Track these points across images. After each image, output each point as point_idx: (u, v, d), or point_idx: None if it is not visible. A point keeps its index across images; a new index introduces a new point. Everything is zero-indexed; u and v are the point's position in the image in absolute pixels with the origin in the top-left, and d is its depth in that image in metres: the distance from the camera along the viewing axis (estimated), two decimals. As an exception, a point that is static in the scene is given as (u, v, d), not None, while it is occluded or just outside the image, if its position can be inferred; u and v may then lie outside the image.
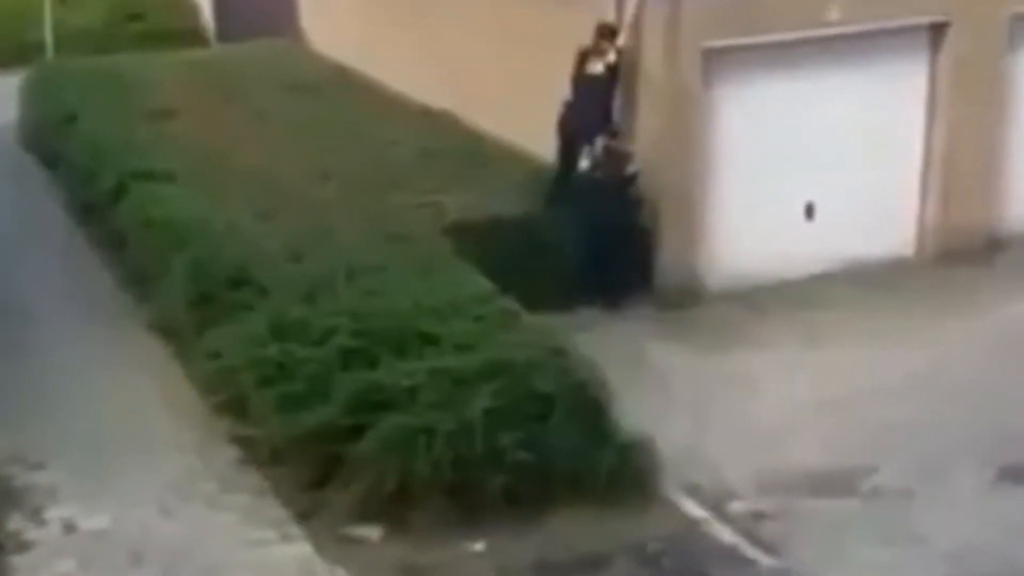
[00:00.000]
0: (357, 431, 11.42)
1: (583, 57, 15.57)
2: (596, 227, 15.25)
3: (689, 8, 15.22)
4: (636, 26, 15.42)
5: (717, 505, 11.71)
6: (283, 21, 24.51)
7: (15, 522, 11.34)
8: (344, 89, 20.31)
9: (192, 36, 28.05)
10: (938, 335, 14.78)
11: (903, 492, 11.89)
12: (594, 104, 15.55)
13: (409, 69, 19.51)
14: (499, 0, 17.80)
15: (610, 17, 15.60)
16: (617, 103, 15.65)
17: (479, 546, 11.03)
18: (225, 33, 28.45)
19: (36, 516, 11.47)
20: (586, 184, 15.57)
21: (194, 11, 29.47)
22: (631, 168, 15.47)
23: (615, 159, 15.44)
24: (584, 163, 15.59)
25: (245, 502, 11.67)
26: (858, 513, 11.66)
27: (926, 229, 16.97)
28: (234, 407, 12.70)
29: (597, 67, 15.52)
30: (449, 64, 18.65)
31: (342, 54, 21.63)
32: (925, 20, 16.52)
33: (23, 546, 11.07)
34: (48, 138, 20.70)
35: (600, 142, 15.47)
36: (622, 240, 15.34)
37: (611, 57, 15.43)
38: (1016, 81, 17.20)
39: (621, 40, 15.41)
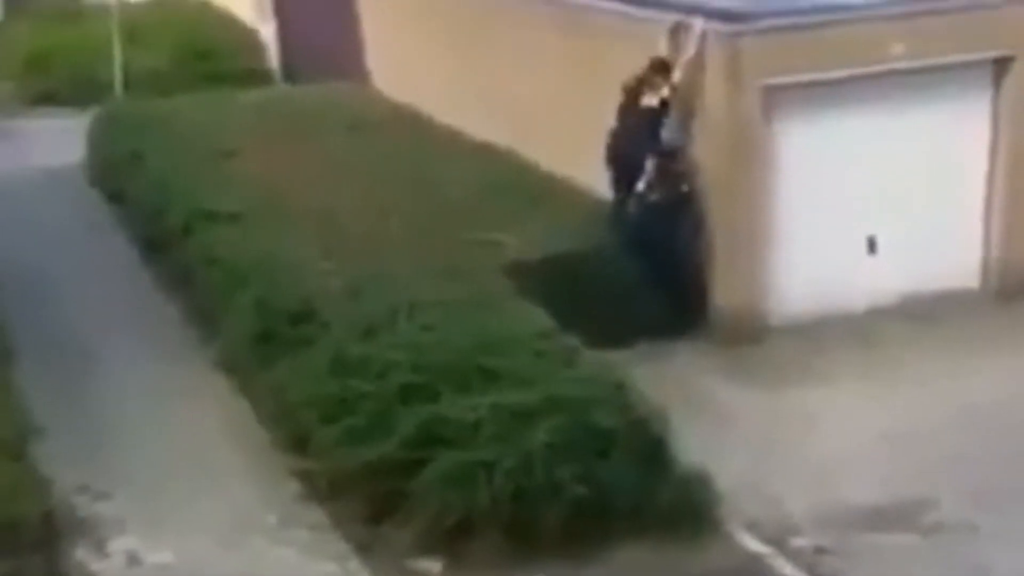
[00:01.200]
0: (417, 465, 11.48)
1: (633, 90, 15.66)
2: (651, 247, 15.33)
3: (750, 46, 15.26)
4: (697, 63, 15.46)
5: (778, 540, 11.66)
6: (348, 62, 24.74)
7: (80, 553, 11.49)
8: (406, 128, 20.47)
9: (258, 77, 28.42)
10: (999, 370, 14.66)
11: (964, 526, 11.79)
12: (645, 136, 15.63)
13: (471, 108, 19.68)
14: (558, 38, 17.95)
15: (663, 52, 15.69)
16: (667, 131, 15.67)
17: (538, 580, 11.06)
18: (290, 74, 28.79)
19: (100, 548, 11.61)
20: (641, 206, 15.62)
21: (260, 52, 29.84)
22: (684, 187, 15.51)
23: (669, 178, 15.49)
24: (640, 186, 15.62)
25: (306, 536, 11.76)
26: (919, 548, 11.58)
27: (989, 263, 16.85)
28: (296, 442, 12.82)
29: (652, 101, 15.59)
30: (510, 102, 18.79)
31: (406, 94, 21.83)
32: (990, 55, 16.45)
33: (87, 577, 11.21)
34: (115, 176, 21.00)
35: (652, 163, 15.52)
36: (678, 260, 15.41)
37: (665, 91, 15.51)
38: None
39: (677, 76, 15.48)
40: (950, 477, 12.51)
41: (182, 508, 12.15)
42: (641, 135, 15.66)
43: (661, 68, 15.59)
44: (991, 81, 16.59)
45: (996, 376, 14.53)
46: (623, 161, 15.80)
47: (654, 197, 15.58)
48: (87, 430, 13.60)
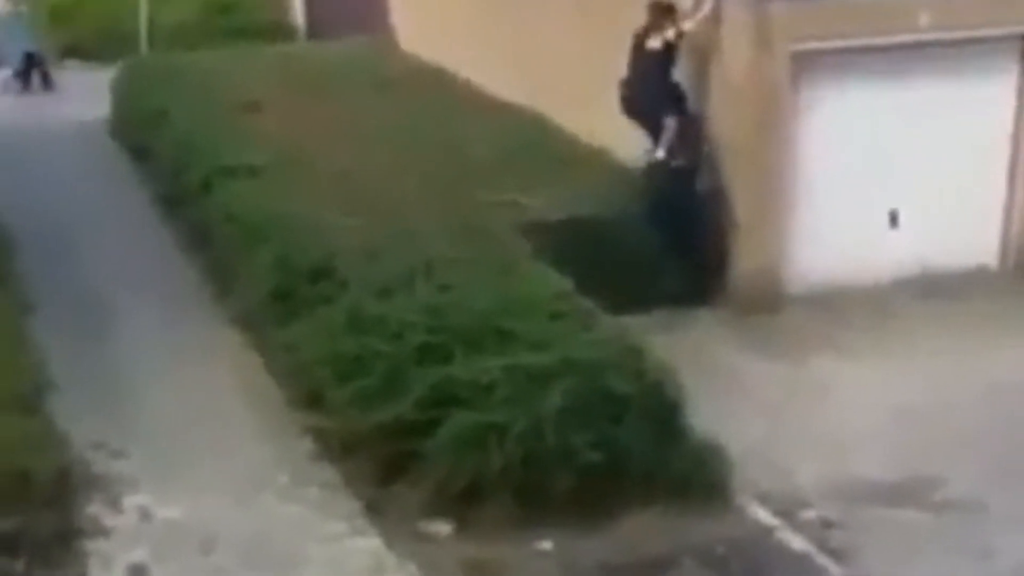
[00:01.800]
0: (430, 426, 11.48)
1: (641, 36, 15.58)
2: (674, 212, 15.32)
3: (779, 10, 15.15)
4: (714, 22, 15.35)
5: (787, 512, 11.64)
6: (372, 18, 24.67)
7: (95, 507, 11.54)
8: (430, 86, 20.42)
9: (282, 32, 28.42)
10: (1018, 348, 14.59)
11: (975, 505, 11.75)
12: (652, 80, 15.56)
13: (497, 67, 19.60)
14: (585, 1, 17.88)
15: (688, 10, 15.60)
16: (678, 80, 15.66)
17: (546, 545, 11.05)
18: (314, 29, 28.76)
19: (115, 503, 11.65)
20: (663, 171, 15.59)
21: (285, 7, 29.80)
22: (706, 149, 15.46)
23: (690, 141, 15.45)
24: (660, 153, 15.56)
25: (317, 494, 11.79)
26: (929, 524, 11.56)
27: (1010, 240, 16.78)
28: (311, 400, 12.83)
29: (655, 43, 15.48)
30: (537, 63, 18.71)
31: (431, 52, 21.75)
32: (1018, 30, 16.33)
33: (101, 532, 11.25)
34: (139, 131, 21.01)
35: (671, 123, 15.46)
36: (700, 225, 15.40)
37: (670, 34, 15.40)
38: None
39: (687, 26, 15.37)
40: (964, 455, 12.46)
41: (195, 465, 12.17)
42: (648, 80, 15.57)
43: (666, 10, 15.47)
44: (1019, 57, 16.47)
45: (1015, 354, 14.45)
46: (636, 109, 15.71)
47: (675, 163, 15.53)
48: (103, 386, 13.62)
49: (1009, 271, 16.68)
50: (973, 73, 16.22)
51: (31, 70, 26.84)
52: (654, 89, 15.59)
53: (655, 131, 15.65)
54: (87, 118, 23.33)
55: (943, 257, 16.14)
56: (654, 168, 15.67)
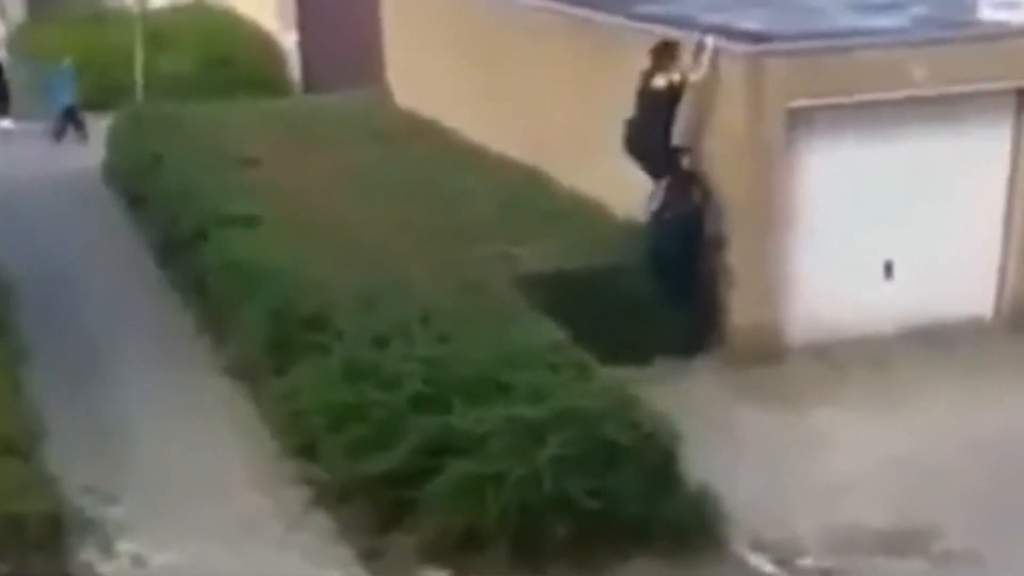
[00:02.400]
0: (426, 475, 11.46)
1: (647, 74, 15.65)
2: (669, 264, 15.37)
3: (774, 67, 15.25)
4: (711, 82, 15.44)
5: (785, 561, 11.62)
6: (368, 73, 24.78)
7: (87, 554, 11.47)
8: (425, 141, 20.51)
9: (279, 85, 28.52)
10: (1010, 399, 14.58)
11: (972, 555, 11.71)
12: (655, 122, 15.64)
13: (491, 123, 19.69)
14: (579, 54, 17.96)
15: (687, 70, 15.66)
16: (679, 126, 15.72)
17: (543, 593, 11.02)
18: (311, 84, 28.86)
19: (107, 549, 11.59)
20: (656, 224, 15.65)
21: (282, 61, 29.93)
22: (697, 202, 15.53)
23: (682, 195, 15.51)
24: (653, 205, 15.60)
25: (312, 542, 11.74)
26: (925, 574, 11.53)
27: (1004, 292, 16.79)
28: (306, 449, 12.79)
29: (660, 83, 15.58)
30: (530, 118, 18.80)
31: (426, 107, 21.86)
32: (1012, 85, 16.41)
33: (94, 577, 11.19)
34: (134, 179, 21.08)
35: (665, 183, 15.56)
36: (694, 278, 15.47)
37: (675, 76, 15.52)
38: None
39: (694, 76, 15.46)
40: (960, 506, 12.43)
41: (189, 512, 12.14)
42: (652, 123, 15.64)
43: (667, 51, 15.59)
44: (1014, 111, 16.53)
45: (1010, 407, 14.43)
46: (639, 149, 15.77)
47: (668, 215, 15.59)
48: (97, 433, 13.62)
49: (1003, 322, 16.68)
50: (968, 127, 16.27)
51: (67, 124, 26.95)
52: (659, 131, 15.66)
53: (656, 173, 15.70)
54: (84, 166, 23.39)
55: (939, 308, 16.14)
56: (651, 219, 15.72)
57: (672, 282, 15.39)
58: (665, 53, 15.63)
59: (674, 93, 15.60)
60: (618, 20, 17.33)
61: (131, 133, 22.47)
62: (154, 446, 13.43)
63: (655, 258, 15.51)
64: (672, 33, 16.04)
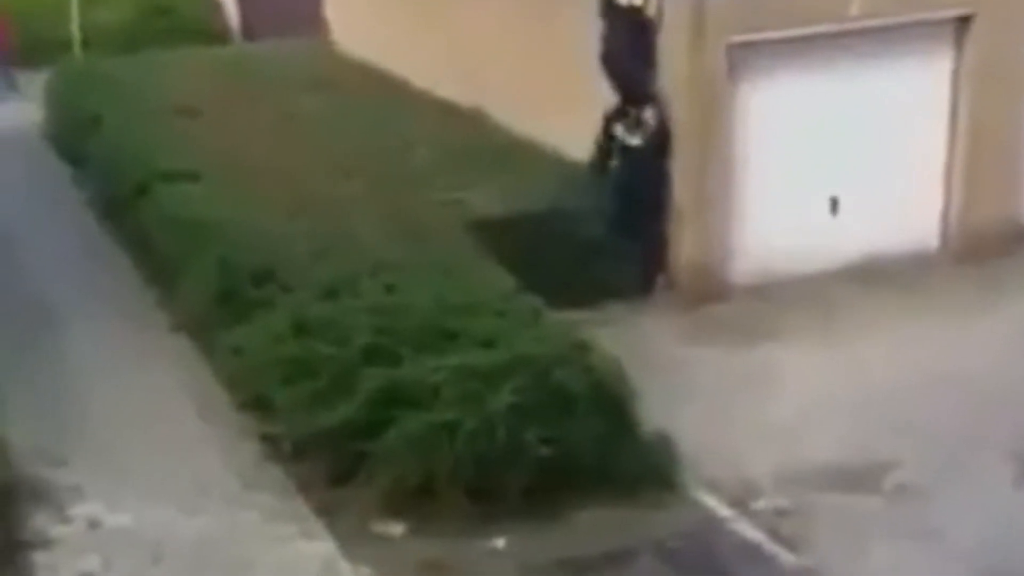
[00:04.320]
0: (380, 428, 11.45)
1: None
2: (635, 195, 15.35)
3: (714, 3, 15.19)
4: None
5: (739, 501, 11.70)
6: (307, 19, 24.52)
7: (40, 520, 11.41)
8: (368, 87, 20.34)
9: (217, 34, 28.18)
10: (960, 332, 14.71)
11: (925, 489, 11.84)
12: (633, 44, 15.45)
13: (434, 66, 19.52)
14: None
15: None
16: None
17: (500, 543, 11.05)
18: (249, 31, 28.57)
19: (60, 513, 11.53)
20: (622, 151, 15.61)
21: (219, 9, 29.59)
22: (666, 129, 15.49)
23: (660, 129, 15.48)
24: (636, 140, 15.55)
25: (268, 499, 11.71)
26: (880, 510, 11.63)
27: (950, 223, 16.90)
28: (258, 403, 12.75)
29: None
30: (475, 61, 18.64)
31: (367, 52, 21.66)
32: (950, 13, 16.43)
33: (47, 543, 11.13)
34: (74, 136, 20.81)
35: (651, 113, 15.44)
36: (658, 210, 15.45)
37: None
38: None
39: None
40: (912, 440, 12.53)
41: (142, 472, 12.07)
42: (628, 42, 15.46)
43: None
44: (952, 41, 16.58)
45: (958, 337, 14.57)
46: (614, 67, 15.59)
47: (635, 141, 15.49)
48: (45, 394, 13.48)
49: (951, 253, 16.79)
50: (908, 57, 16.32)
51: None
52: (638, 55, 15.45)
53: (630, 97, 15.54)
54: (21, 123, 23.12)
55: (885, 242, 16.24)
56: (614, 148, 15.62)
57: (633, 219, 15.29)
58: None
59: (639, 15, 15.39)
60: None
61: (69, 91, 22.16)
62: (105, 405, 13.33)
63: (627, 193, 15.42)
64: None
